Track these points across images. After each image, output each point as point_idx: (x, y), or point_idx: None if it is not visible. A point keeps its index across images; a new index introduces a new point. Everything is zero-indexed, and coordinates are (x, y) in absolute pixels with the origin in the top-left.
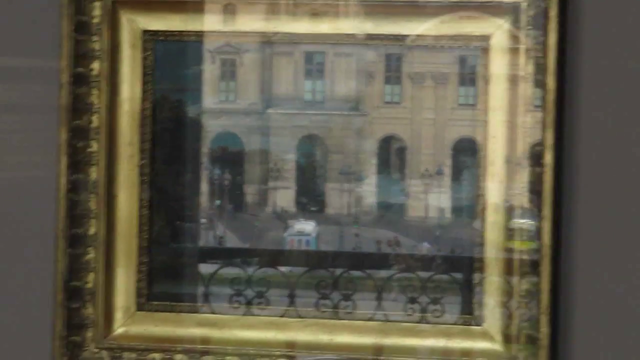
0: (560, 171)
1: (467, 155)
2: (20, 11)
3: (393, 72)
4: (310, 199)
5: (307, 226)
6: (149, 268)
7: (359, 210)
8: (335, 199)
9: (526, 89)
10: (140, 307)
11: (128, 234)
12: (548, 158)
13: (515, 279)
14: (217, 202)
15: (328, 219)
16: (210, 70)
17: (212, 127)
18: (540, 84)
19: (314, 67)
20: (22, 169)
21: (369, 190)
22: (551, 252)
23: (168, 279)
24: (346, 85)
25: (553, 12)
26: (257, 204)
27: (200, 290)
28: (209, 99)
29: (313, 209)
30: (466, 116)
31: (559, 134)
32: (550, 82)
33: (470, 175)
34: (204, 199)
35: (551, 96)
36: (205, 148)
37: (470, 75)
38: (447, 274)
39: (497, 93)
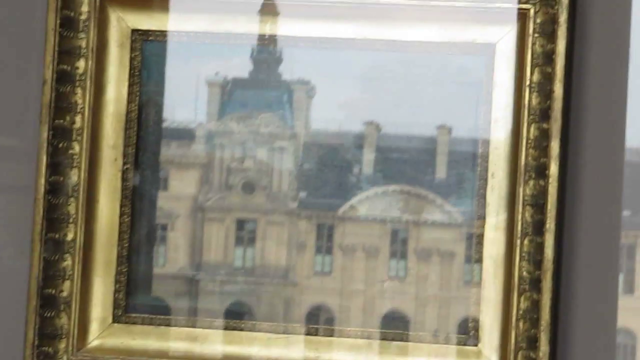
0: (563, 183)
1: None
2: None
3: (324, 242)
4: None
5: None
6: (128, 278)
7: None
8: None
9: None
10: (117, 319)
11: (107, 242)
12: (553, 169)
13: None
14: None
15: None
16: None
17: None
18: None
19: (245, 235)
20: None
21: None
22: (553, 267)
23: (147, 290)
24: (277, 253)
25: (562, 18)
26: None
27: (182, 302)
28: None
29: None
30: (396, 288)
31: (564, 144)
32: (558, 90)
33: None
34: None
35: (558, 105)
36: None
37: (402, 249)
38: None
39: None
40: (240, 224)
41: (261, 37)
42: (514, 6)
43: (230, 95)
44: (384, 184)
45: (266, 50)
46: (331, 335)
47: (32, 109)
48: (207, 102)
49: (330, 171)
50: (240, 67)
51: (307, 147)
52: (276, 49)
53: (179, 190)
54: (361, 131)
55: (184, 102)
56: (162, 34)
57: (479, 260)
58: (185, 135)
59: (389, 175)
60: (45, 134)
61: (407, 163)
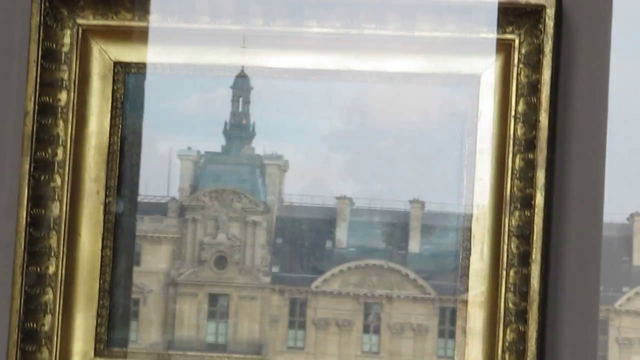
0: (549, 214)
1: None
2: None
3: (297, 316)
4: None
5: None
6: (110, 312)
7: None
8: None
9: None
10: (98, 353)
11: (89, 276)
12: (539, 199)
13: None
14: None
15: None
16: None
17: None
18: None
19: (217, 310)
20: None
21: None
22: (540, 299)
23: (129, 324)
24: (250, 328)
25: (547, 48)
26: None
27: (164, 336)
28: None
29: None
30: None
31: (549, 175)
32: (544, 120)
33: None
34: None
35: (544, 134)
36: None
37: (375, 323)
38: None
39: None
40: (213, 299)
41: (239, 83)
42: (498, 36)
43: (203, 170)
44: (357, 259)
45: (239, 125)
46: None
47: (12, 141)
48: (179, 177)
49: (304, 246)
50: (213, 141)
51: (280, 222)
52: (249, 124)
53: (151, 265)
54: (334, 205)
55: (157, 176)
56: (145, 66)
57: (452, 336)
58: (157, 209)
59: (362, 249)
60: (26, 166)
61: (381, 237)
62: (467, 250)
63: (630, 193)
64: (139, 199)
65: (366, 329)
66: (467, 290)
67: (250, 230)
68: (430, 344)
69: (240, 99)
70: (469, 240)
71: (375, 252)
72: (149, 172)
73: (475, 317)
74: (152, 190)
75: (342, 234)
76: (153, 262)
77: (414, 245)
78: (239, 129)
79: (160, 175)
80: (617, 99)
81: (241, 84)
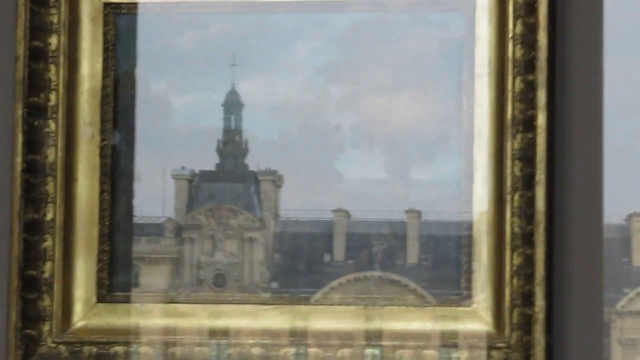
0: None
1: None
2: None
3: (299, 331)
4: None
5: None
6: (111, 257)
7: None
8: None
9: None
10: (101, 299)
11: (88, 221)
12: (541, 120)
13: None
14: None
15: None
16: None
17: None
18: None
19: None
20: None
21: None
22: (545, 220)
23: (130, 268)
24: (252, 344)
25: None
26: None
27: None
28: None
29: None
30: None
31: (550, 95)
32: (542, 39)
33: None
34: None
35: (543, 54)
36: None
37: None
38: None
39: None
40: (213, 317)
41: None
42: None
43: (197, 188)
44: (356, 271)
45: (232, 142)
46: None
47: (4, 86)
48: (174, 196)
49: (302, 260)
50: (207, 159)
51: (278, 237)
52: (242, 140)
53: (150, 286)
54: (330, 218)
55: (152, 197)
56: (135, 6)
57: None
58: (154, 230)
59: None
60: (19, 112)
61: (379, 249)
62: (470, 178)
63: (628, 193)
64: (134, 220)
65: (368, 340)
66: (471, 218)
67: (247, 247)
68: (431, 353)
69: (232, 117)
70: (471, 167)
71: (374, 263)
72: (143, 194)
73: (481, 243)
74: (147, 211)
75: (339, 246)
76: (152, 283)
77: (412, 256)
78: (232, 146)
79: (155, 196)
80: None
81: (233, 101)
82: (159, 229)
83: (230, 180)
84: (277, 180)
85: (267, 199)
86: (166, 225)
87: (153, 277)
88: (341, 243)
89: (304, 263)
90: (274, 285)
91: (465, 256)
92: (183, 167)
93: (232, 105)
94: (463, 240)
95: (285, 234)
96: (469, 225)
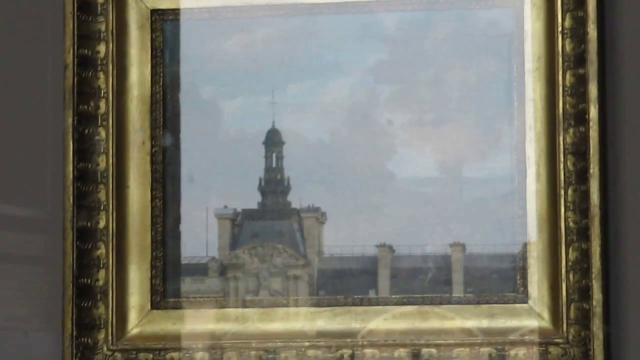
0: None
1: None
2: None
3: None
4: None
5: None
6: (164, 263)
7: None
8: None
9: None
10: (155, 305)
11: (140, 227)
12: (593, 113)
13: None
14: None
15: None
16: None
17: None
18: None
19: None
20: (27, 156)
21: None
22: (600, 213)
23: (184, 274)
24: None
25: None
26: None
27: (219, 284)
28: None
29: None
30: None
31: (602, 88)
32: (592, 32)
33: None
34: None
35: (593, 47)
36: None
37: None
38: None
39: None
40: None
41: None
42: None
43: (240, 227)
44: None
45: (274, 180)
46: None
47: (54, 95)
48: (217, 236)
49: (347, 297)
50: (249, 198)
51: (322, 274)
52: (283, 178)
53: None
54: (374, 254)
55: (196, 237)
56: (182, 12)
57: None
58: (198, 270)
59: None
60: (69, 120)
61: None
62: (523, 173)
63: None
64: (181, 260)
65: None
66: (525, 214)
67: (292, 285)
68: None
69: (274, 154)
70: (524, 163)
71: (419, 297)
72: (187, 235)
73: (536, 240)
74: (190, 251)
75: (384, 281)
76: (198, 323)
77: (458, 289)
78: (274, 184)
79: (198, 236)
80: None
81: (273, 138)
82: (203, 268)
83: (272, 219)
84: (320, 217)
85: (311, 236)
86: (210, 264)
87: (199, 317)
88: (385, 278)
89: (349, 300)
90: (320, 322)
91: (520, 253)
92: (225, 207)
93: (273, 142)
94: (517, 237)
95: (329, 271)
96: (523, 222)
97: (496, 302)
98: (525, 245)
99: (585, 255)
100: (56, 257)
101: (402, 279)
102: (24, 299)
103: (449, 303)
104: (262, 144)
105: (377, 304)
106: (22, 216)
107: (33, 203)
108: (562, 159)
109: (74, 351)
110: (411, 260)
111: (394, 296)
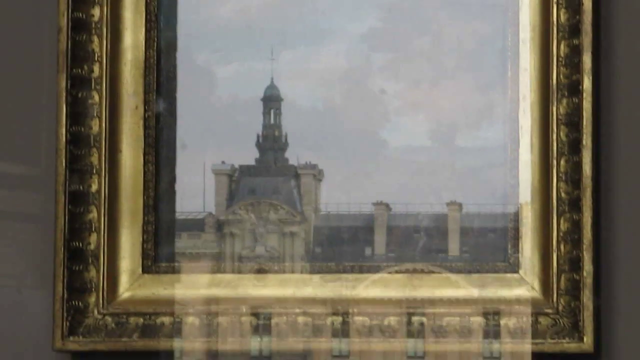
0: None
1: None
2: None
3: (340, 325)
4: None
5: None
6: (156, 227)
7: None
8: None
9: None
10: (146, 270)
11: (133, 192)
12: (586, 84)
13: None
14: None
15: None
16: None
17: None
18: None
19: (260, 323)
20: (22, 117)
21: None
22: (592, 185)
23: (181, 229)
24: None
25: None
26: None
27: (211, 249)
28: None
29: None
30: None
31: (595, 58)
32: (587, 2)
33: None
34: None
35: (588, 18)
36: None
37: (419, 328)
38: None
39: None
40: (256, 312)
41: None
42: None
43: (237, 183)
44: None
45: (272, 137)
46: None
47: (48, 58)
48: (215, 191)
49: (343, 254)
50: (247, 154)
51: (318, 231)
52: (281, 135)
53: (191, 281)
54: (371, 212)
55: (192, 192)
56: None
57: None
58: (195, 225)
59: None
60: (63, 83)
61: (420, 241)
62: (515, 143)
63: None
64: (176, 215)
65: (410, 334)
66: (517, 184)
67: (288, 241)
68: (475, 345)
69: (272, 111)
70: (517, 132)
71: (415, 256)
72: (183, 188)
73: (527, 210)
74: (188, 207)
75: (380, 240)
76: (190, 288)
77: (454, 248)
78: (272, 141)
79: (195, 191)
80: None
81: (272, 95)
82: (200, 224)
83: (270, 175)
84: (317, 174)
85: (308, 193)
86: (207, 220)
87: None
88: (382, 236)
89: (345, 257)
90: (315, 279)
91: (512, 222)
92: (223, 162)
93: (271, 99)
94: (509, 207)
95: (326, 228)
96: (515, 192)
97: (487, 272)
98: (516, 215)
99: (576, 226)
100: (49, 217)
101: (397, 237)
102: (18, 256)
103: (446, 261)
104: (261, 100)
105: (373, 263)
106: (16, 173)
107: (27, 161)
108: (555, 130)
109: (65, 314)
110: (407, 219)
111: (390, 254)
